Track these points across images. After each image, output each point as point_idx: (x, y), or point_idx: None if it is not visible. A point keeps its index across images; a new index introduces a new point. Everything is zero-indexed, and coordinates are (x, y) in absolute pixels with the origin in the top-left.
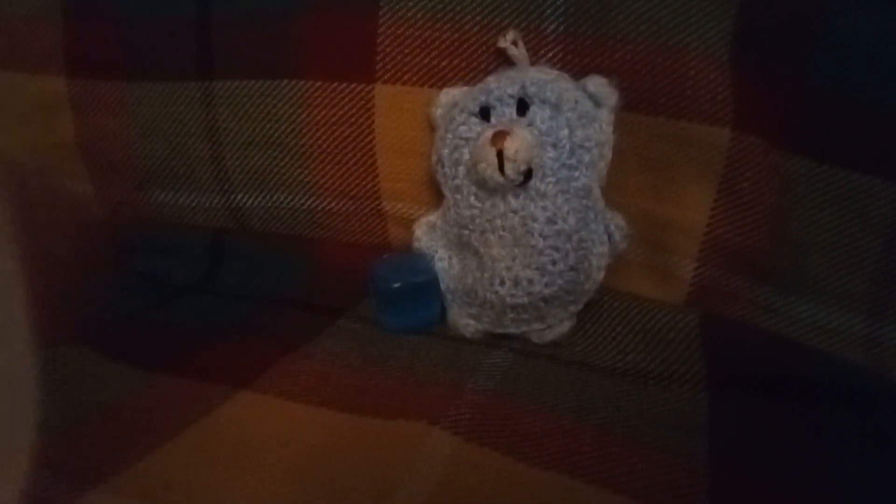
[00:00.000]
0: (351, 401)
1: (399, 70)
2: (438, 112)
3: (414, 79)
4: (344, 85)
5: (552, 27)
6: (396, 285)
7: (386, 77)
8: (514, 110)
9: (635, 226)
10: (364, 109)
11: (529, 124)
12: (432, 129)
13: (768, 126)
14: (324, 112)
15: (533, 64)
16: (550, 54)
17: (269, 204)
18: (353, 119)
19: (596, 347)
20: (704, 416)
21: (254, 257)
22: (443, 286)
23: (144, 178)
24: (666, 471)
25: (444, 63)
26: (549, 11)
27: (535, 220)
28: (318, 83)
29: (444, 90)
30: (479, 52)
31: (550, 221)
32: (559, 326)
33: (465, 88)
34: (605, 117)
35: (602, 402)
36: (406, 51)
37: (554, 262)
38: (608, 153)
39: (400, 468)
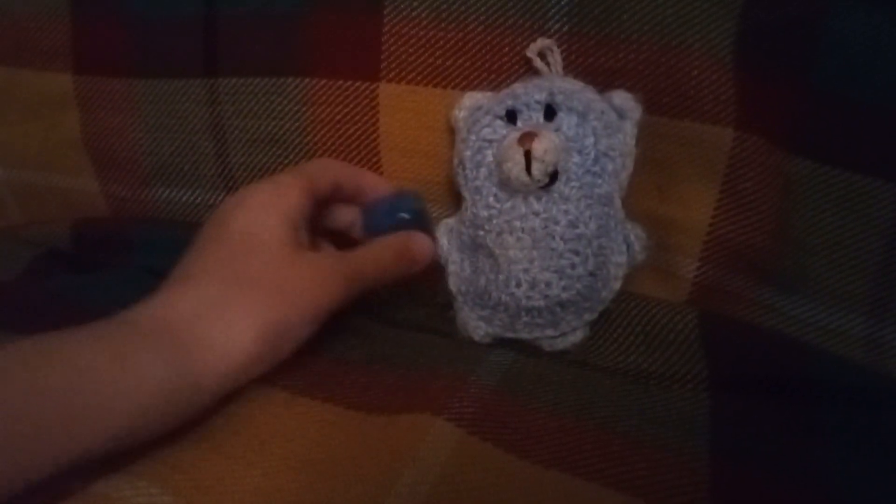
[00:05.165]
0: (356, 397)
1: (403, 69)
2: (461, 114)
3: (418, 78)
4: (349, 83)
5: (556, 27)
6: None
7: (390, 76)
8: (541, 115)
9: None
10: (368, 108)
11: (556, 129)
12: (438, 128)
13: (771, 126)
14: (328, 110)
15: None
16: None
17: None
18: (357, 117)
19: (597, 347)
20: (706, 416)
21: None
22: (454, 288)
23: (150, 174)
24: (667, 470)
25: (448, 63)
26: (552, 11)
27: (556, 222)
28: (323, 81)
29: (468, 93)
30: (483, 51)
31: (572, 225)
32: (572, 335)
33: (490, 93)
34: (629, 130)
35: (603, 401)
36: (410, 50)
37: (573, 266)
38: (630, 165)
39: (404, 457)
